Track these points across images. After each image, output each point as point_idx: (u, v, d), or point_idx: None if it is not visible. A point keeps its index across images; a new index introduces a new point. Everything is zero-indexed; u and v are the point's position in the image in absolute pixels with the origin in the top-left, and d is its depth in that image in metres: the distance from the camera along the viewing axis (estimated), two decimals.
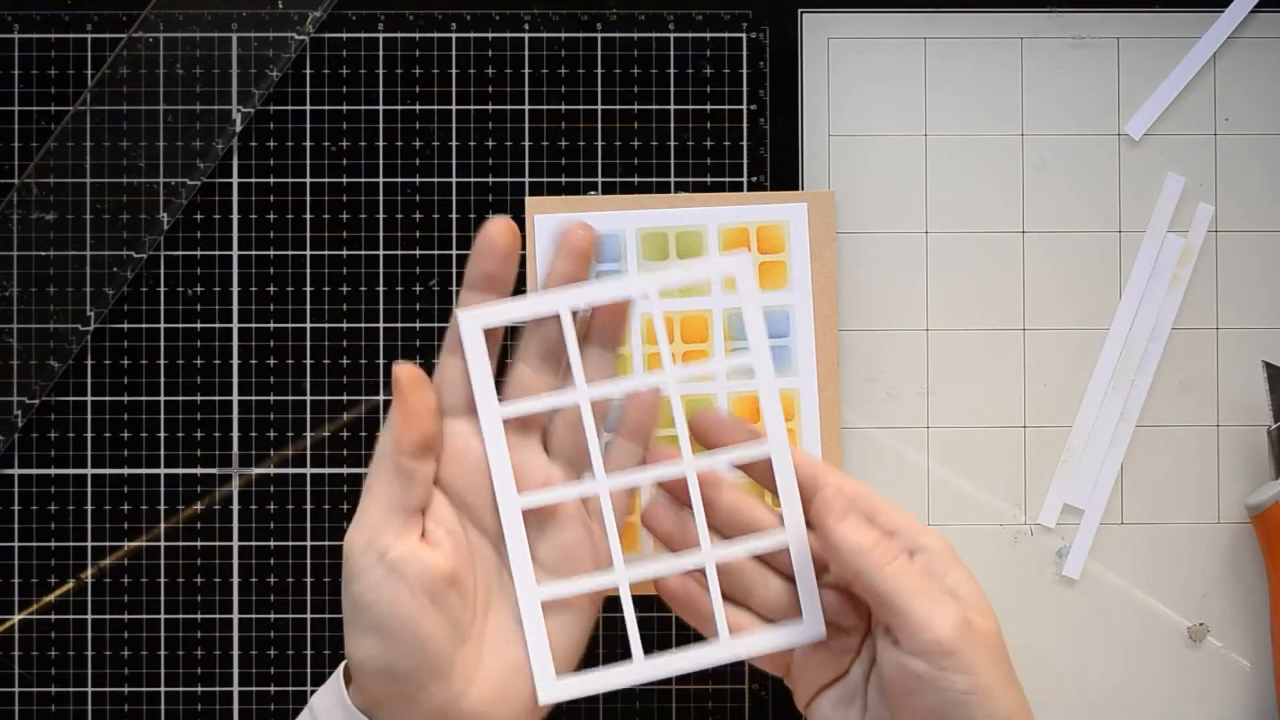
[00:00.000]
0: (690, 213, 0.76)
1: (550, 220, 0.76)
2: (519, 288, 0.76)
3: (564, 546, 0.66)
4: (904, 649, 0.61)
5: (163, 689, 0.76)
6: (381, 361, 0.77)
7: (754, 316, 0.65)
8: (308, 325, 0.77)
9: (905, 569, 0.62)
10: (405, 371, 0.63)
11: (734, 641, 0.65)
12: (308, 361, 0.77)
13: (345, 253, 0.77)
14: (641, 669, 0.65)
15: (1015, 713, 0.62)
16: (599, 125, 0.77)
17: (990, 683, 0.61)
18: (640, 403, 0.66)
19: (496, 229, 0.64)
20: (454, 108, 0.77)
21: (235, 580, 0.77)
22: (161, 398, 0.76)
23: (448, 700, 0.63)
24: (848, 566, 0.62)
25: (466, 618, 0.64)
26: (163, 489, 0.76)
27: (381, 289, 0.76)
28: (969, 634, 0.61)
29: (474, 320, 0.64)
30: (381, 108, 0.77)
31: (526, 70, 0.77)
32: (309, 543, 0.77)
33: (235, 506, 0.77)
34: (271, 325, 0.76)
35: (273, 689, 0.77)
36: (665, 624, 0.76)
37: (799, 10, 0.77)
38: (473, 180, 0.77)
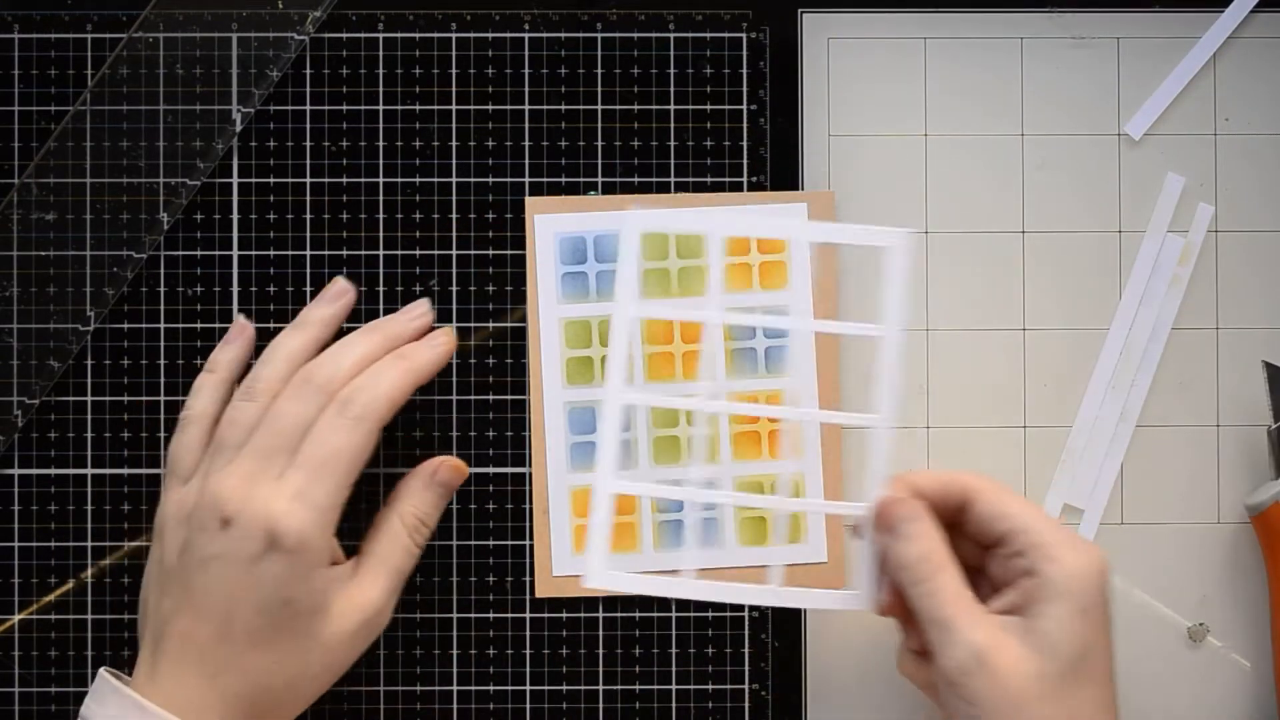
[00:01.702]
0: (691, 213, 0.76)
1: (550, 220, 0.76)
2: (519, 288, 0.76)
3: None
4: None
5: None
6: None
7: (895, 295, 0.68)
8: None
9: (932, 592, 0.65)
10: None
11: (785, 590, 0.70)
12: None
13: (345, 253, 0.77)
14: (690, 586, 0.70)
15: None
16: (599, 125, 0.77)
17: (992, 716, 0.63)
18: None
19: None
20: (454, 108, 0.77)
21: None
22: (161, 398, 0.76)
23: None
24: (895, 577, 0.67)
25: None
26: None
27: (381, 289, 0.76)
28: (977, 670, 0.63)
29: (638, 219, 0.69)
30: (381, 108, 0.77)
31: (526, 70, 0.77)
32: None
33: None
34: (271, 325, 0.76)
35: None
36: (646, 634, 0.76)
37: (799, 10, 0.77)
38: (473, 180, 0.77)
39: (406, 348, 0.73)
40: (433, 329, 0.75)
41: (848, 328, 0.71)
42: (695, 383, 0.76)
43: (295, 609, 0.67)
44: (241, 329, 0.75)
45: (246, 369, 0.74)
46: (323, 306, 0.74)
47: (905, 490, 0.68)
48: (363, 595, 0.70)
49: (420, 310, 0.75)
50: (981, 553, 0.68)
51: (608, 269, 0.76)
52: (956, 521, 0.68)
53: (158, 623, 0.69)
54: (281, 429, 0.69)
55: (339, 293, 0.74)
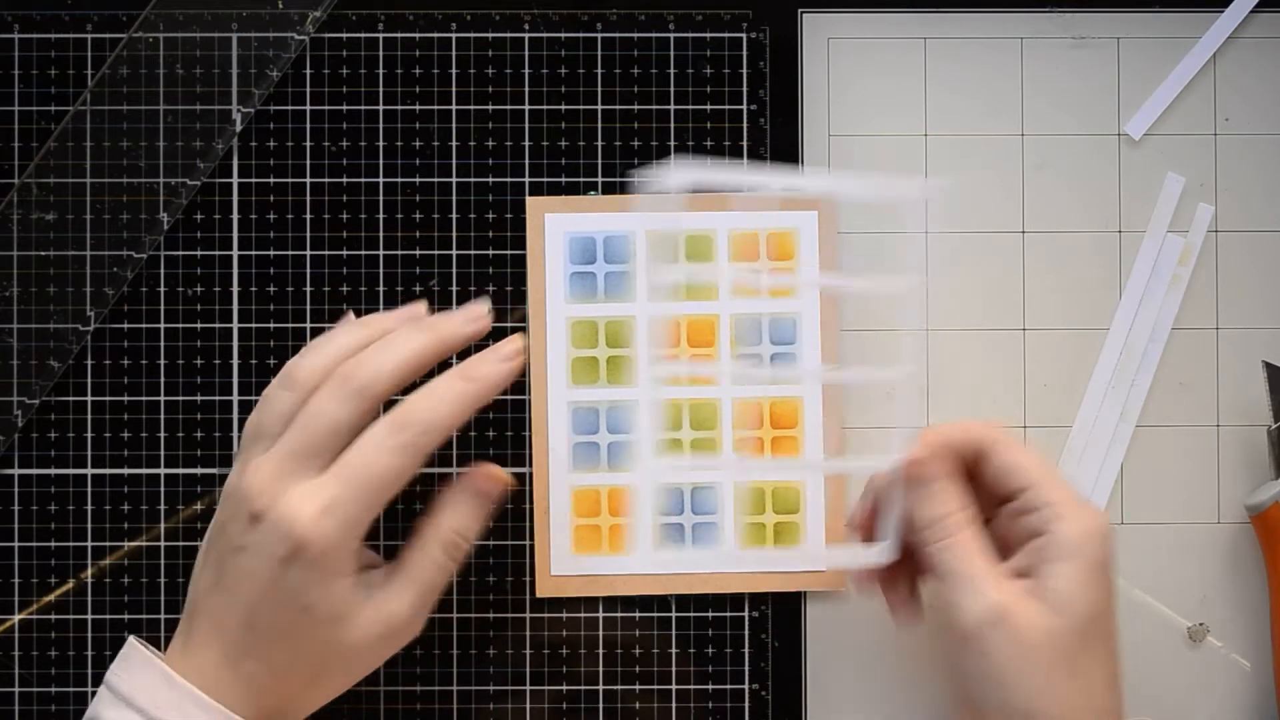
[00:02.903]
0: (700, 216, 0.76)
1: (560, 219, 0.76)
2: (519, 288, 0.76)
3: None
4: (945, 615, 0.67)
5: None
6: None
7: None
8: (308, 325, 0.77)
9: (953, 548, 0.66)
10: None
11: (820, 550, 0.73)
12: None
13: (345, 253, 0.77)
14: (733, 555, 0.73)
15: (1042, 708, 0.64)
16: (599, 125, 0.77)
17: (1006, 674, 0.64)
18: None
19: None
20: (454, 108, 0.77)
21: None
22: (161, 398, 0.76)
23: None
24: (913, 534, 0.68)
25: None
26: (163, 489, 0.76)
27: (381, 289, 0.76)
28: (999, 624, 0.64)
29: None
30: (381, 108, 0.77)
31: (526, 70, 0.77)
32: None
33: None
34: (271, 325, 0.76)
35: None
36: (666, 624, 0.76)
37: (799, 10, 0.77)
38: (473, 180, 0.77)
39: (473, 366, 0.69)
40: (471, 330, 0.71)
41: (869, 284, 0.71)
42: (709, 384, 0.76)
43: (314, 616, 0.66)
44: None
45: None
46: (390, 320, 0.70)
47: (930, 446, 0.68)
48: (388, 607, 0.68)
49: (479, 313, 0.70)
50: (992, 508, 0.69)
51: (617, 270, 0.76)
52: (972, 475, 0.69)
53: (194, 595, 0.68)
54: (315, 430, 0.66)
55: (413, 317, 0.70)
